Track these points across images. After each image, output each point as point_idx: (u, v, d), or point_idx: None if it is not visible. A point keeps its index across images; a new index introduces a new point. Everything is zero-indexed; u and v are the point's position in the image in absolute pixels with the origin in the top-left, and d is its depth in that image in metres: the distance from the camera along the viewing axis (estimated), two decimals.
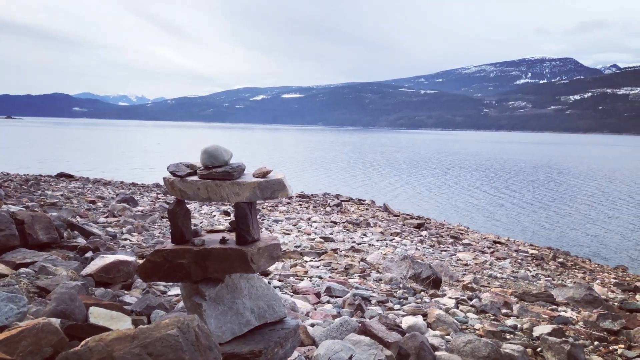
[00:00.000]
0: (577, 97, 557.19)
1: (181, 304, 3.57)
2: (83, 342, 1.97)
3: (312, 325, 3.86)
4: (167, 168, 2.42)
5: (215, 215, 11.42)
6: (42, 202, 9.39)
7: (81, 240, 6.01)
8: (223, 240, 2.40)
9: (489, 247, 12.68)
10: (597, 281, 9.91)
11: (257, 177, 2.38)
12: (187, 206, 2.51)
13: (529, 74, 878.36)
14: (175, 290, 4.52)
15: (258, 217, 5.06)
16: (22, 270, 4.17)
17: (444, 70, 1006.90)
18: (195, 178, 2.37)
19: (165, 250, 2.34)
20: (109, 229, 7.71)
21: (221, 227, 2.70)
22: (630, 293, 8.63)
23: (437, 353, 3.64)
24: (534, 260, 11.57)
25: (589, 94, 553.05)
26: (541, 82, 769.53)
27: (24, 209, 7.75)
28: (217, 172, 2.31)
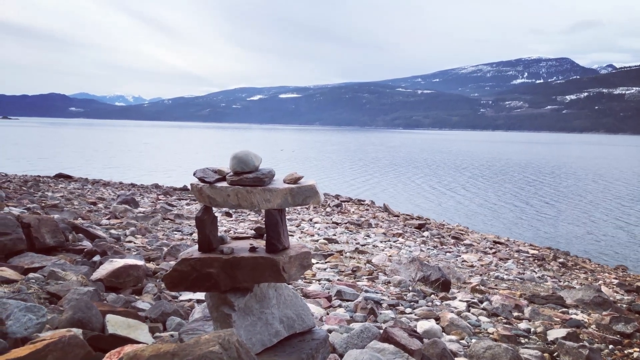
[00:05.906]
0: (573, 96, 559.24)
1: (196, 311, 3.50)
2: (109, 356, 1.90)
3: (329, 331, 3.79)
4: (194, 174, 2.32)
5: (217, 216, 11.34)
6: (43, 204, 9.28)
7: (86, 243, 5.92)
8: (252, 249, 2.30)
9: (491, 248, 12.65)
10: (599, 281, 9.90)
11: (288, 183, 2.29)
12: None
13: (525, 73, 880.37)
14: (187, 296, 4.44)
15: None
16: (31, 275, 4.08)
17: (441, 70, 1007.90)
18: (224, 184, 2.28)
19: (193, 259, 2.25)
20: (112, 231, 7.62)
21: (247, 234, 2.63)
22: (634, 294, 8.61)
23: (457, 359, 3.58)
24: (536, 261, 11.55)
25: (585, 94, 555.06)
26: (537, 82, 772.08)
27: (25, 211, 7.65)
28: (248, 178, 2.22)
